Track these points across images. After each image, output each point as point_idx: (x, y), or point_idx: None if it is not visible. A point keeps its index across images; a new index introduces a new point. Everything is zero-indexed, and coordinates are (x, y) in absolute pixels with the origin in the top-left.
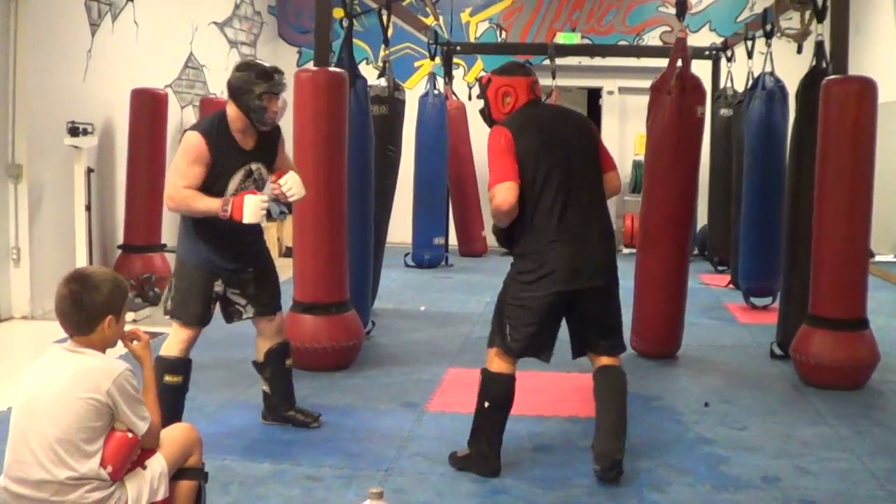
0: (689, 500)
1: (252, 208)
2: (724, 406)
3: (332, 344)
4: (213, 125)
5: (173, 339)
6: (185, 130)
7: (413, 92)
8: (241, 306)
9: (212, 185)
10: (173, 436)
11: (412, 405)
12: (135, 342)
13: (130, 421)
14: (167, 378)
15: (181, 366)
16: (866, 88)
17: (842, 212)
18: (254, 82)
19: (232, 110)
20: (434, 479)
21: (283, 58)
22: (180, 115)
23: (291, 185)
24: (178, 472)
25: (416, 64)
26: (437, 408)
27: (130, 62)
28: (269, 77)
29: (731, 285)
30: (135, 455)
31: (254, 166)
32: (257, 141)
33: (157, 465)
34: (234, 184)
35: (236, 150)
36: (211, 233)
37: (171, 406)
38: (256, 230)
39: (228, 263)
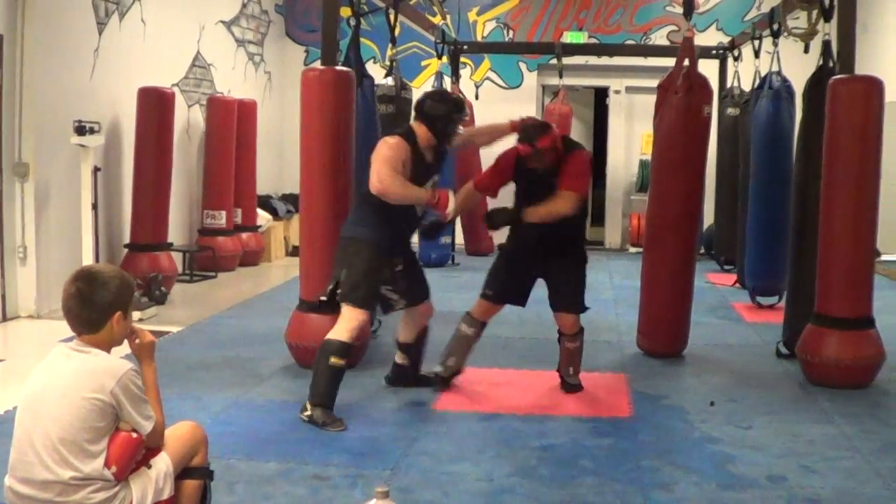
0: (695, 499)
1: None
2: (731, 405)
3: None
4: (408, 137)
5: (343, 325)
6: (384, 137)
7: (420, 91)
8: (393, 300)
9: None
10: (178, 434)
11: (419, 404)
12: (136, 340)
13: (135, 421)
14: (333, 360)
15: (348, 350)
16: (873, 88)
17: (848, 211)
18: (453, 113)
19: (422, 130)
20: (440, 477)
21: (291, 57)
22: (187, 114)
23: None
24: (184, 471)
25: (424, 63)
26: (444, 407)
27: (137, 61)
28: (462, 109)
29: (737, 284)
30: (139, 455)
31: (436, 178)
32: (435, 157)
33: (163, 464)
34: None
35: (423, 163)
36: (391, 220)
37: (331, 387)
38: (416, 221)
39: (397, 248)
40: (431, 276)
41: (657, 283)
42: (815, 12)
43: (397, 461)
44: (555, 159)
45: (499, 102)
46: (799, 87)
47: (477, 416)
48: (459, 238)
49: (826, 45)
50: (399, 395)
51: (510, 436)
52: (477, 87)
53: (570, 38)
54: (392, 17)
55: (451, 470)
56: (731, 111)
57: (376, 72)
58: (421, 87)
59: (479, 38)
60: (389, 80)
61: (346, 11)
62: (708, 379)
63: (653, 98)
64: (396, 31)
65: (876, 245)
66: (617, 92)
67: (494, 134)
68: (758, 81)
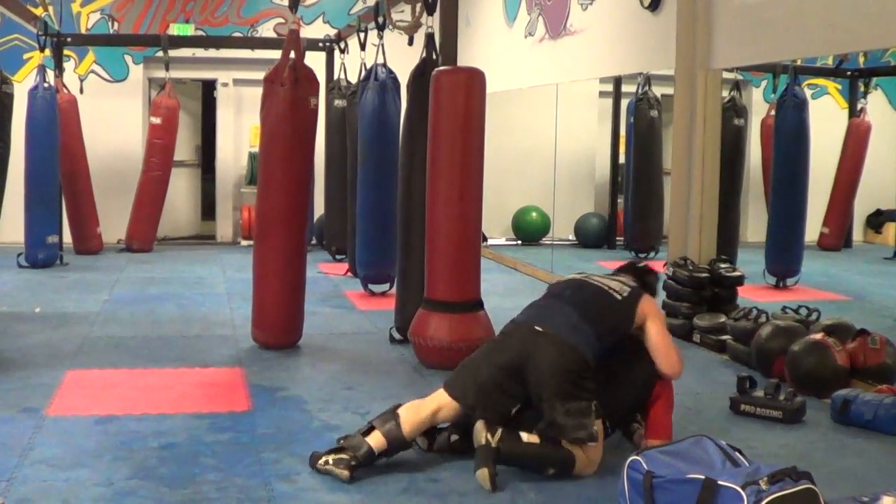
0: (317, 488)
1: None
2: (348, 392)
3: None
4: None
5: None
6: (644, 294)
7: (23, 85)
8: None
9: None
10: None
11: (32, 410)
12: None
13: None
14: None
15: None
16: (475, 79)
17: (454, 198)
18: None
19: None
20: (59, 485)
21: None
22: None
23: None
24: None
25: (26, 56)
26: (57, 412)
27: None
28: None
29: (349, 273)
30: None
31: None
32: None
33: None
34: None
35: None
36: None
37: None
38: None
39: None
40: (39, 276)
41: (269, 275)
42: (418, 6)
43: (13, 472)
44: None
45: (105, 96)
46: (404, 78)
47: (93, 419)
48: (67, 237)
49: (429, 37)
50: (10, 402)
51: (128, 438)
52: (81, 81)
53: (176, 30)
54: None
55: (69, 477)
56: (338, 103)
57: None
58: (24, 80)
59: (83, 30)
60: None
61: None
62: (324, 368)
63: (261, 90)
64: None
65: (482, 230)
66: (225, 84)
67: None
68: (364, 73)
